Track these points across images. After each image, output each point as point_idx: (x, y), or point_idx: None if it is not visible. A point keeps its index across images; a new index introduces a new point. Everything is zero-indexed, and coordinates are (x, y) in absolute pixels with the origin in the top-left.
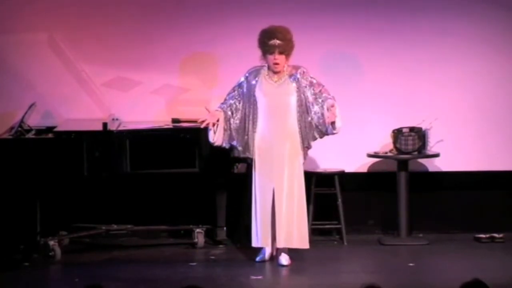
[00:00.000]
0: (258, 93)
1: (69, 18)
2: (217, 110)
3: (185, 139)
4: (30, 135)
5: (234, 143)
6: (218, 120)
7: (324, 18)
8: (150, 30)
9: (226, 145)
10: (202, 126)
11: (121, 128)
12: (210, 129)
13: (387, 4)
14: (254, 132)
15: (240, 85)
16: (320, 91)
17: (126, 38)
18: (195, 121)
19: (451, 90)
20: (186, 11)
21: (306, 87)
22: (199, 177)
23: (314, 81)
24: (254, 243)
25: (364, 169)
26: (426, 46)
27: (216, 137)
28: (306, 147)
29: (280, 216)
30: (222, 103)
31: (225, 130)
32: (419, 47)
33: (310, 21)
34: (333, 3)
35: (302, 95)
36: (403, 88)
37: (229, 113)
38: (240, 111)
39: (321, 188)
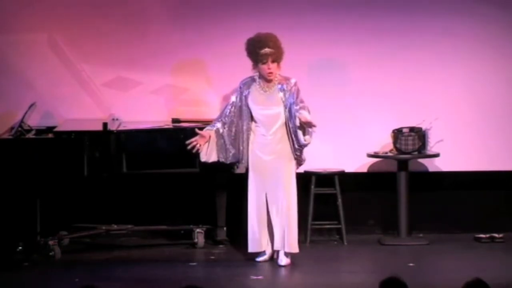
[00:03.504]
0: (251, 104)
1: (69, 18)
2: (207, 130)
3: (185, 139)
4: (30, 135)
5: (231, 155)
6: (209, 139)
7: (324, 17)
8: (150, 30)
9: (222, 159)
10: (189, 147)
11: (121, 128)
12: (201, 150)
13: (387, 3)
14: (247, 141)
15: (235, 98)
16: (300, 107)
17: (126, 38)
18: (195, 121)
19: (451, 90)
20: (186, 11)
21: (290, 96)
22: (199, 177)
23: (296, 97)
24: (251, 248)
25: (364, 169)
26: (426, 46)
27: (207, 156)
28: (296, 158)
29: (275, 220)
30: (217, 118)
31: (218, 146)
32: (419, 47)
33: (310, 21)
34: (333, 2)
35: (288, 105)
36: (403, 88)
37: (222, 129)
38: (235, 124)
39: (321, 188)
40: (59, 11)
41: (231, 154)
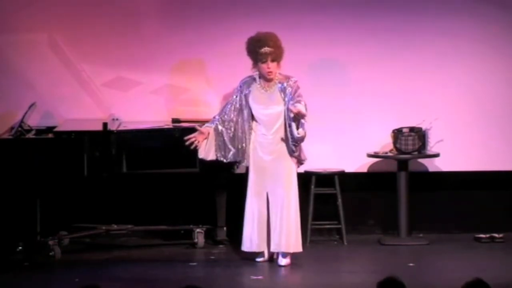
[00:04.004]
0: (252, 104)
1: (69, 18)
2: (207, 127)
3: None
4: (30, 135)
5: (230, 154)
6: (207, 136)
7: (324, 17)
8: (150, 30)
9: (221, 158)
10: (187, 143)
11: (121, 128)
12: (199, 147)
13: (387, 3)
14: (249, 140)
15: (235, 97)
16: (296, 101)
17: (126, 38)
18: (195, 121)
19: (452, 90)
20: (186, 11)
21: (289, 93)
22: (199, 177)
23: (297, 92)
24: (246, 247)
25: (364, 169)
26: (426, 46)
27: (206, 153)
28: (292, 155)
29: (274, 221)
30: (217, 115)
31: (217, 144)
32: (419, 47)
33: (310, 21)
34: (333, 2)
35: (287, 102)
36: (403, 88)
37: (221, 126)
38: (234, 122)
39: (321, 188)
40: (59, 11)
41: (230, 153)
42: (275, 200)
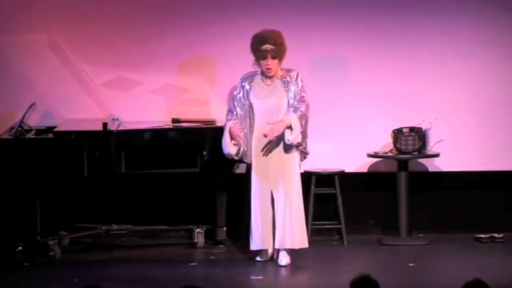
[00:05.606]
0: (252, 98)
1: (69, 18)
2: (234, 123)
3: (186, 139)
4: (30, 135)
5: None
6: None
7: (324, 18)
8: (150, 30)
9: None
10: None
11: (121, 128)
12: (234, 144)
13: (387, 3)
14: (251, 136)
15: (237, 93)
16: (298, 100)
17: (126, 38)
18: (195, 121)
19: (451, 90)
20: (186, 11)
21: (293, 89)
22: (200, 177)
23: (300, 87)
24: (253, 246)
25: (364, 169)
26: (426, 46)
27: (236, 150)
28: (298, 147)
29: (277, 218)
30: (230, 114)
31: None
32: (419, 47)
33: (310, 20)
34: (333, 2)
35: (292, 97)
36: (403, 88)
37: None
38: (239, 118)
39: (321, 188)
40: (59, 11)
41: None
42: (279, 196)
